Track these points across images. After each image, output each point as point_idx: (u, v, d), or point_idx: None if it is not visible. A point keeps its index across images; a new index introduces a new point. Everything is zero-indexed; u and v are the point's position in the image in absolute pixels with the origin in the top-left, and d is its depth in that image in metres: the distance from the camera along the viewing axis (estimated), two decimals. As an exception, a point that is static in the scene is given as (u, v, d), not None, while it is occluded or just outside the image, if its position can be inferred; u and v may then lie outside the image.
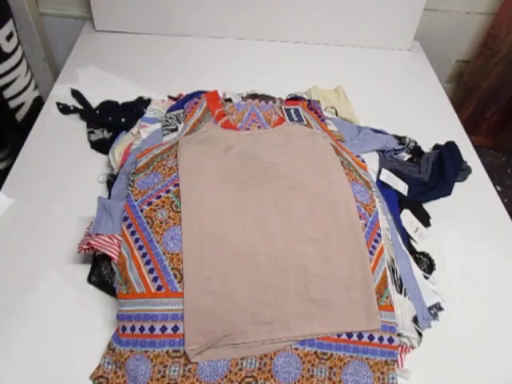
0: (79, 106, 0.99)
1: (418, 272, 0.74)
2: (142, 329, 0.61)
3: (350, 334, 0.63)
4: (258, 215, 0.70)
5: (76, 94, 1.02)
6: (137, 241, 0.67)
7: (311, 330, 0.63)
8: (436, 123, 1.07)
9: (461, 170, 0.93)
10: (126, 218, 0.70)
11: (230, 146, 0.81)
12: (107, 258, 0.68)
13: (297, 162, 0.79)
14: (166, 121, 0.89)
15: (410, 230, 0.80)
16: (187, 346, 0.60)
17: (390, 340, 0.63)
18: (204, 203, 0.70)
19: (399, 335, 0.65)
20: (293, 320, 0.63)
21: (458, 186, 0.91)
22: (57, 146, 0.91)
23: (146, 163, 0.78)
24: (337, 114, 1.01)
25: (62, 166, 0.88)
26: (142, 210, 0.70)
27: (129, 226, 0.69)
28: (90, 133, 0.93)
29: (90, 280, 0.70)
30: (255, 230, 0.68)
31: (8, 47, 0.95)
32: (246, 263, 0.65)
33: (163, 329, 0.61)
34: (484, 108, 1.52)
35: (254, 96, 1.01)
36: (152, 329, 0.61)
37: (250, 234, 0.68)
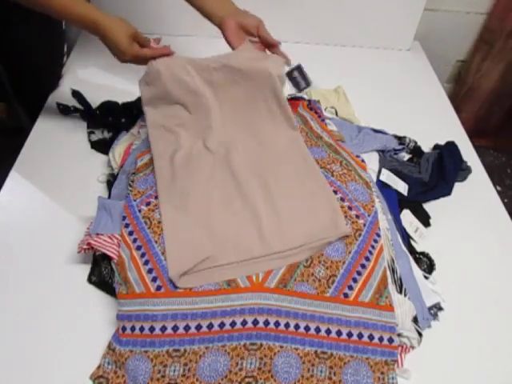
0: (79, 106, 0.98)
1: (418, 272, 0.73)
2: (141, 329, 0.61)
3: (350, 334, 0.63)
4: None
5: (76, 94, 1.01)
6: (135, 241, 0.67)
7: (289, 243, 0.67)
8: (436, 123, 1.07)
9: (461, 170, 0.93)
10: (124, 218, 0.70)
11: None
12: (107, 258, 0.68)
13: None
14: (166, 121, 0.89)
15: (409, 230, 0.80)
16: (171, 272, 0.63)
17: (390, 340, 0.63)
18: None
19: (399, 335, 0.65)
20: (269, 238, 0.68)
21: (457, 185, 0.91)
22: (57, 146, 0.91)
23: (145, 163, 0.78)
24: (337, 114, 1.01)
25: (62, 165, 0.88)
26: (140, 210, 0.70)
27: (126, 226, 0.69)
28: (90, 133, 0.93)
29: (90, 280, 0.70)
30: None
31: None
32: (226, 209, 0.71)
33: (163, 329, 0.61)
34: (489, 115, 1.52)
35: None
36: (152, 329, 0.61)
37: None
